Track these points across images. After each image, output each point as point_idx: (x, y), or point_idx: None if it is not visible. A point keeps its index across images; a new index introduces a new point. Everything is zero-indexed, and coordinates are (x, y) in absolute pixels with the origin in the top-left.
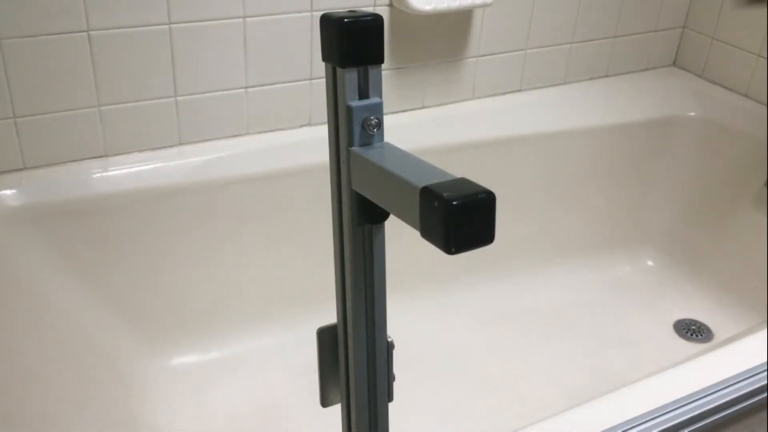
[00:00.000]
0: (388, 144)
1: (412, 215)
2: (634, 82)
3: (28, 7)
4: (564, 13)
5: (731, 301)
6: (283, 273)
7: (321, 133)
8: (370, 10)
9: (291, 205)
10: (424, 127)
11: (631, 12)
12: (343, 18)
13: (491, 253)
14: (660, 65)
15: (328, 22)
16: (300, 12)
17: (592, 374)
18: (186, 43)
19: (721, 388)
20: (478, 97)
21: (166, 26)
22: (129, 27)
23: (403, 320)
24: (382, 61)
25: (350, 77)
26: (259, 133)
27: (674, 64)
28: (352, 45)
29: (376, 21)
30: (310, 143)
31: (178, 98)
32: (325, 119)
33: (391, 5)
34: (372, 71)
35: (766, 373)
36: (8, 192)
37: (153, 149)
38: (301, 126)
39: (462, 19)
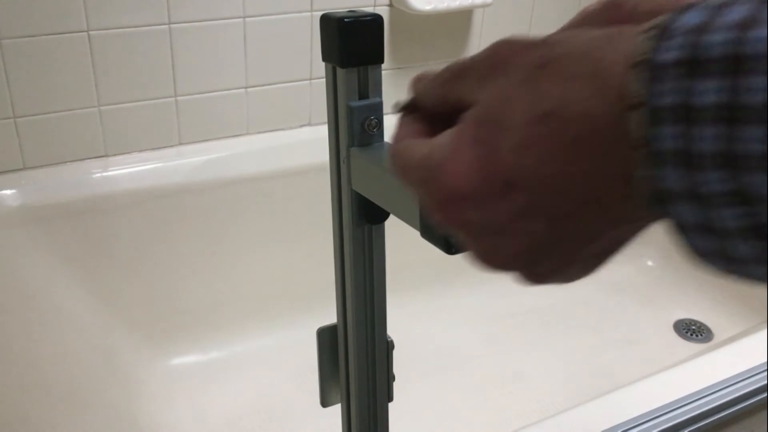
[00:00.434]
0: (388, 144)
1: (412, 215)
2: None
3: (29, 8)
4: (564, 13)
5: (731, 301)
6: (283, 273)
7: (321, 133)
8: (370, 10)
9: (291, 205)
10: None
11: None
12: (343, 18)
13: None
14: None
15: (327, 22)
16: (300, 12)
17: (592, 374)
18: (186, 44)
19: (721, 388)
20: None
21: (166, 26)
22: (129, 27)
23: (403, 320)
24: (382, 61)
25: (350, 77)
26: (259, 133)
27: None
28: (352, 45)
29: (376, 21)
30: (310, 143)
31: (178, 98)
32: (325, 119)
33: (391, 5)
34: (372, 71)
35: (766, 373)
36: (8, 192)
37: (153, 149)
38: (301, 126)
39: (462, 19)
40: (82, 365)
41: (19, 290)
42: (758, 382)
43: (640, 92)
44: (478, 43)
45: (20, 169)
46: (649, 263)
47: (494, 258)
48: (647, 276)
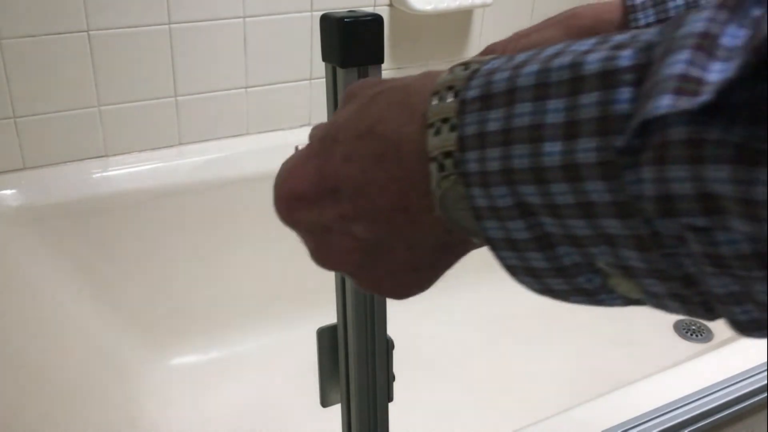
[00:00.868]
0: None
1: None
2: None
3: (29, 8)
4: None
5: None
6: (283, 273)
7: None
8: (370, 9)
9: None
10: None
11: None
12: (343, 18)
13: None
14: None
15: (327, 22)
16: (300, 12)
17: (593, 374)
18: (186, 43)
19: (721, 388)
20: None
21: (166, 26)
22: (129, 27)
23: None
24: (382, 61)
25: (350, 77)
26: (259, 133)
27: None
28: (352, 45)
29: (376, 21)
30: None
31: (178, 98)
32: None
33: (391, 5)
34: (372, 71)
35: (766, 373)
36: (8, 192)
37: (153, 149)
38: (301, 126)
39: (462, 19)
40: (81, 365)
41: (18, 290)
42: (758, 382)
43: (432, 113)
44: (478, 42)
45: (20, 169)
46: None
47: (325, 256)
48: None
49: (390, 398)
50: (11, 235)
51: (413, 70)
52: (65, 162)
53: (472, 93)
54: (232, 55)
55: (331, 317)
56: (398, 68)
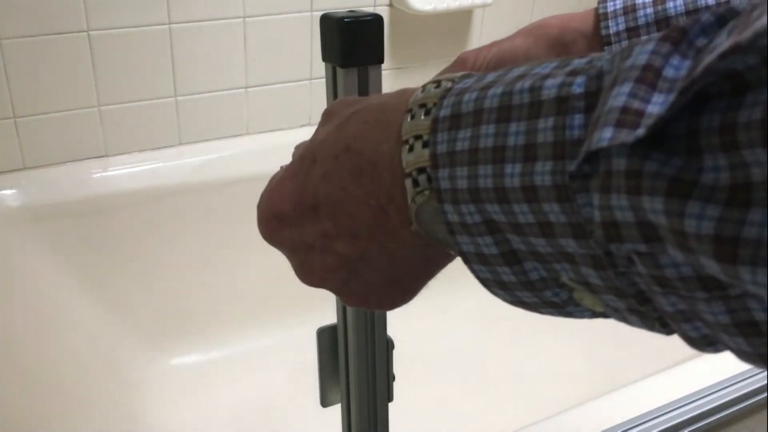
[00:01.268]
0: None
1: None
2: None
3: (29, 8)
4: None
5: None
6: (283, 273)
7: None
8: (370, 9)
9: None
10: None
11: None
12: (343, 18)
13: None
14: None
15: (327, 22)
16: (300, 12)
17: (592, 374)
18: (186, 43)
19: (720, 388)
20: None
21: (166, 26)
22: (129, 27)
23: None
24: (382, 61)
25: (350, 77)
26: (259, 133)
27: None
28: (352, 45)
29: (376, 21)
30: None
31: (178, 98)
32: None
33: (391, 5)
34: (372, 71)
35: (765, 373)
36: (8, 192)
37: (153, 149)
38: (301, 126)
39: (462, 19)
40: (81, 365)
41: (18, 290)
42: (758, 382)
43: (406, 130)
44: (478, 42)
45: (20, 169)
46: None
47: (309, 274)
48: None
49: (390, 398)
50: (11, 235)
51: (413, 70)
52: (65, 162)
53: (444, 112)
54: (232, 55)
55: (331, 317)
56: (398, 68)
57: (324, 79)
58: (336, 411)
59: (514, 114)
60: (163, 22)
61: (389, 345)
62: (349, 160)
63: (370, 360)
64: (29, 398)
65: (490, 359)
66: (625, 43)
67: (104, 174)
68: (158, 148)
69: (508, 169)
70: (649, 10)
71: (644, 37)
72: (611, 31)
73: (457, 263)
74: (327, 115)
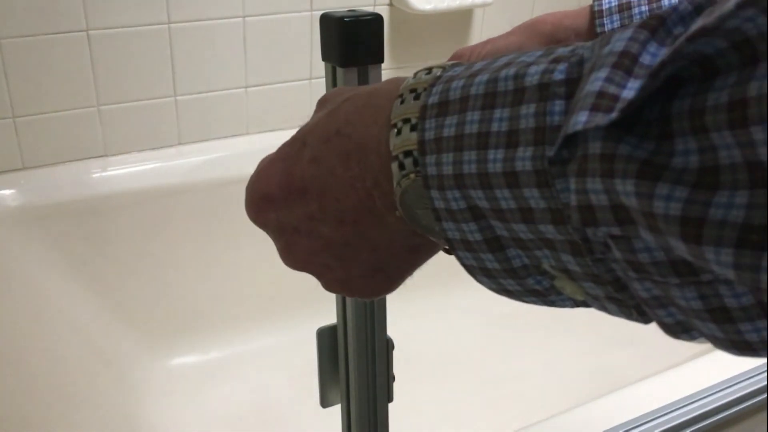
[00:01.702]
0: None
1: None
2: None
3: (27, 7)
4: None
5: None
6: (283, 273)
7: None
8: (370, 9)
9: None
10: None
11: None
12: (342, 17)
13: None
14: None
15: (327, 22)
16: (300, 11)
17: (592, 374)
18: (186, 43)
19: (721, 389)
20: None
21: (166, 26)
22: (128, 26)
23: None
24: (382, 60)
25: (350, 77)
26: (259, 133)
27: None
28: (352, 45)
29: (376, 20)
30: None
31: (178, 98)
32: None
33: (391, 4)
34: (372, 71)
35: (766, 374)
36: (7, 192)
37: (152, 149)
38: (301, 126)
39: (462, 18)
40: (81, 365)
41: (17, 290)
42: (758, 383)
43: (395, 114)
44: (478, 42)
45: (19, 169)
46: None
47: (292, 256)
48: None
49: (390, 398)
50: (10, 235)
51: (413, 70)
52: (64, 162)
53: (433, 99)
54: (231, 55)
55: (331, 317)
56: (398, 68)
57: (324, 79)
58: (336, 411)
59: (498, 101)
60: (162, 21)
61: (389, 345)
62: (338, 144)
63: (370, 360)
64: (29, 398)
65: (490, 359)
66: None
67: (103, 174)
68: (158, 148)
69: (491, 155)
70: (644, 8)
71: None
72: (606, 29)
73: (458, 264)
74: (321, 103)
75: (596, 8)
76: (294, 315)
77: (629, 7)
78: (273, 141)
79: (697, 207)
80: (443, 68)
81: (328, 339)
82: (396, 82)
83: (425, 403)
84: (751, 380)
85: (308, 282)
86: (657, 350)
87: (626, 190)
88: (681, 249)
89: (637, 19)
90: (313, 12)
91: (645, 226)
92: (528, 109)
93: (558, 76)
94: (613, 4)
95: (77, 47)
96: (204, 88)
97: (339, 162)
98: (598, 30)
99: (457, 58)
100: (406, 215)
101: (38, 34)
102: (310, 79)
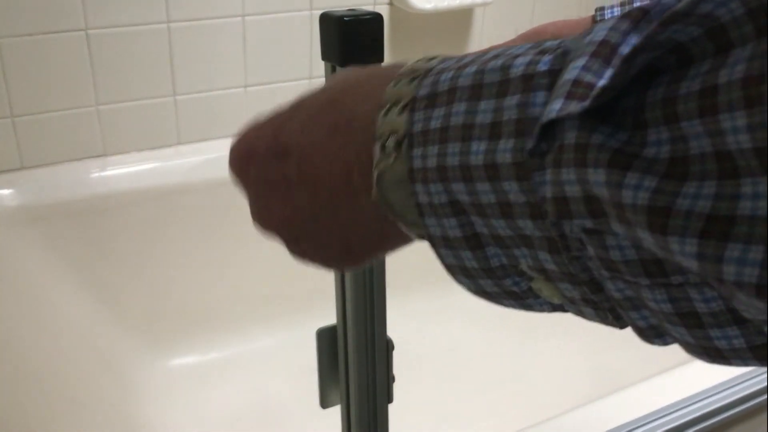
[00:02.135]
0: None
1: None
2: None
3: (26, 6)
4: (564, 11)
5: None
6: (283, 273)
7: None
8: (370, 8)
9: None
10: None
11: None
12: (342, 17)
13: None
14: None
15: (327, 21)
16: (299, 11)
17: (593, 375)
18: (185, 42)
19: (720, 390)
20: None
21: (165, 25)
22: (127, 26)
23: (403, 320)
24: (382, 60)
25: None
26: None
27: None
28: (351, 44)
29: (376, 20)
30: None
31: (177, 97)
32: None
33: (391, 4)
34: None
35: (766, 375)
36: (6, 192)
37: (152, 149)
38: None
39: (462, 18)
40: (80, 365)
41: (16, 290)
42: (758, 384)
43: (387, 94)
44: (478, 41)
45: (18, 169)
46: None
47: (264, 217)
48: None
49: (390, 399)
50: (9, 235)
51: None
52: (63, 161)
53: (423, 91)
54: (231, 54)
55: (331, 317)
56: None
57: (324, 78)
58: (336, 412)
59: (484, 92)
60: (161, 20)
61: (389, 346)
62: (329, 114)
63: (370, 361)
64: (27, 398)
65: (490, 360)
66: None
67: (102, 174)
68: (157, 148)
69: (474, 146)
70: None
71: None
72: None
73: None
74: (327, 80)
75: (598, 19)
76: (294, 315)
77: None
78: None
79: (664, 197)
80: (442, 59)
81: (328, 339)
82: (398, 66)
83: (425, 403)
84: (752, 381)
85: (308, 282)
86: (657, 351)
87: (597, 179)
88: (648, 241)
89: None
90: (313, 11)
91: (615, 217)
92: (512, 101)
93: (542, 67)
94: (615, 14)
95: (76, 46)
96: (203, 87)
97: (326, 132)
98: None
99: None
100: (381, 199)
101: (37, 34)
102: (310, 78)
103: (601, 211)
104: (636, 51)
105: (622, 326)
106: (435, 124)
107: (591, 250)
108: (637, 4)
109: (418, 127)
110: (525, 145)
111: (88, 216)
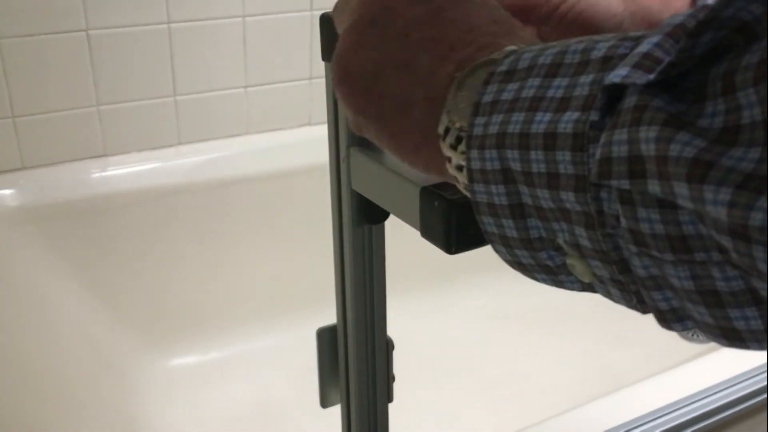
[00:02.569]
0: None
1: (412, 215)
2: None
3: (27, 7)
4: None
5: None
6: (283, 273)
7: (321, 132)
8: None
9: (291, 205)
10: None
11: None
12: None
13: (492, 253)
14: None
15: (327, 21)
16: (300, 11)
17: (593, 374)
18: (185, 43)
19: (721, 389)
20: None
21: (165, 25)
22: (128, 26)
23: (403, 320)
24: None
25: None
26: (259, 133)
27: None
28: None
29: None
30: (310, 143)
31: (178, 98)
32: (325, 119)
33: None
34: None
35: (766, 374)
36: (7, 192)
37: (152, 149)
38: (301, 126)
39: None
40: (80, 365)
41: (17, 290)
42: (758, 383)
43: (458, 76)
44: None
45: (19, 169)
46: None
47: (361, 56)
48: None
49: (390, 399)
50: (10, 235)
51: None
52: (64, 162)
53: (501, 68)
54: (231, 55)
55: (331, 317)
56: None
57: (324, 79)
58: (336, 411)
59: (562, 70)
60: (162, 21)
61: (389, 345)
62: (432, 28)
63: (370, 360)
64: (27, 398)
65: (490, 360)
66: None
67: (103, 174)
68: (157, 148)
69: (539, 116)
70: None
71: None
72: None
73: (458, 264)
74: None
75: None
76: (294, 315)
77: None
78: (272, 141)
79: (709, 155)
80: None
81: (328, 339)
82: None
83: (425, 403)
84: (751, 380)
85: (308, 282)
86: (657, 350)
87: (648, 136)
88: (682, 194)
89: None
90: (313, 12)
91: (655, 174)
92: (587, 78)
93: (622, 50)
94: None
95: (77, 47)
96: (204, 87)
97: (419, 28)
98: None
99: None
100: (444, 108)
101: (38, 34)
102: (310, 78)
103: (641, 172)
104: (700, 25)
105: (644, 311)
106: (507, 96)
107: (623, 222)
108: None
109: (487, 98)
110: (589, 117)
111: (88, 216)
